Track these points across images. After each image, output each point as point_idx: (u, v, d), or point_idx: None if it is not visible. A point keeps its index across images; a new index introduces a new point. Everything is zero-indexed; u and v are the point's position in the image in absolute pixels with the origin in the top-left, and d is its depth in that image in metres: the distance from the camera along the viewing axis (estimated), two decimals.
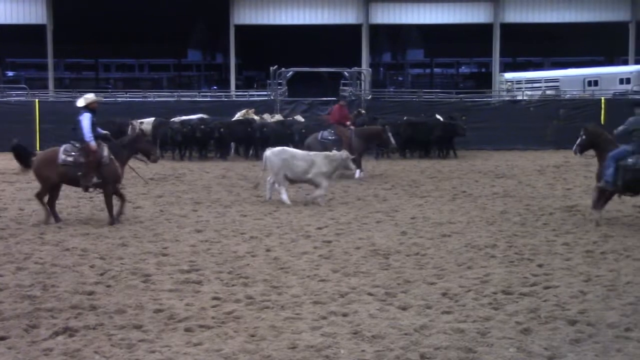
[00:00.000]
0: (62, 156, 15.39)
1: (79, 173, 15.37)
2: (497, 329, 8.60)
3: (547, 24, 49.21)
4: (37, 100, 33.42)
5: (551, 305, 9.48)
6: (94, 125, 15.44)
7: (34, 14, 46.14)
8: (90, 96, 15.94)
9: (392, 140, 23.83)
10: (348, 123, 23.45)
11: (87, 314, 9.20)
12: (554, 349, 8.02)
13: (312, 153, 18.89)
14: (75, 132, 15.62)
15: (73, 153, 15.40)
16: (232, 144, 30.26)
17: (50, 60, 47.26)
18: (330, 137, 22.86)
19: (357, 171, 22.15)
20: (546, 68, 55.99)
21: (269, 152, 18.41)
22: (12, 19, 46.32)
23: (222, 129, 28.96)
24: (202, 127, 28.80)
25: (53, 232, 14.41)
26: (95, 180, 15.48)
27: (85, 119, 15.36)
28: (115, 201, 15.59)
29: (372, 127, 24.96)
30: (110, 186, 15.54)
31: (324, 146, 21.59)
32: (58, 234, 14.24)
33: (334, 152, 18.63)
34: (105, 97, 34.39)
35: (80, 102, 15.72)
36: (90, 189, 15.71)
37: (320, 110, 32.79)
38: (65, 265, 11.72)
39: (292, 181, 18.32)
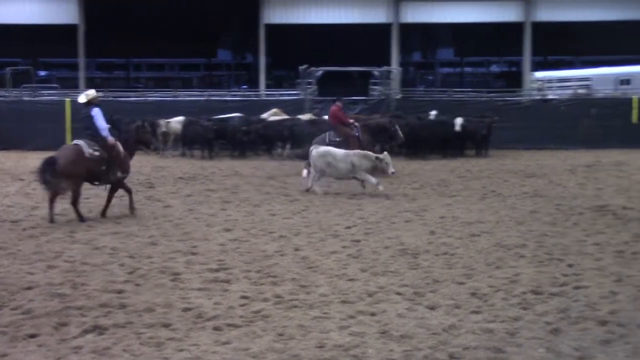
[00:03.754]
0: (88, 150, 15.50)
1: (103, 168, 15.56)
2: (527, 329, 8.55)
3: (579, 22, 48.73)
4: (68, 99, 33.58)
5: (581, 306, 9.41)
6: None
7: (66, 14, 46.48)
8: (91, 92, 16.33)
9: (400, 133, 23.71)
10: (351, 121, 23.05)
11: (116, 312, 9.24)
12: (584, 349, 7.96)
13: (350, 153, 19.47)
14: (89, 129, 15.83)
15: (96, 148, 15.58)
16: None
17: (81, 60, 47.58)
18: (337, 139, 22.08)
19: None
20: (577, 67, 55.48)
21: (314, 153, 19.54)
22: (44, 19, 46.67)
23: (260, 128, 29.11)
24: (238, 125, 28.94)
25: (83, 230, 14.50)
26: (119, 175, 15.74)
27: (99, 114, 15.70)
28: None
29: (378, 121, 24.68)
30: (124, 180, 16.12)
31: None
32: (88, 232, 14.33)
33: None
34: (136, 97, 34.61)
35: (82, 99, 16.05)
36: (102, 185, 16.00)
37: (349, 110, 32.73)
38: (95, 264, 11.78)
39: (338, 178, 19.71)
